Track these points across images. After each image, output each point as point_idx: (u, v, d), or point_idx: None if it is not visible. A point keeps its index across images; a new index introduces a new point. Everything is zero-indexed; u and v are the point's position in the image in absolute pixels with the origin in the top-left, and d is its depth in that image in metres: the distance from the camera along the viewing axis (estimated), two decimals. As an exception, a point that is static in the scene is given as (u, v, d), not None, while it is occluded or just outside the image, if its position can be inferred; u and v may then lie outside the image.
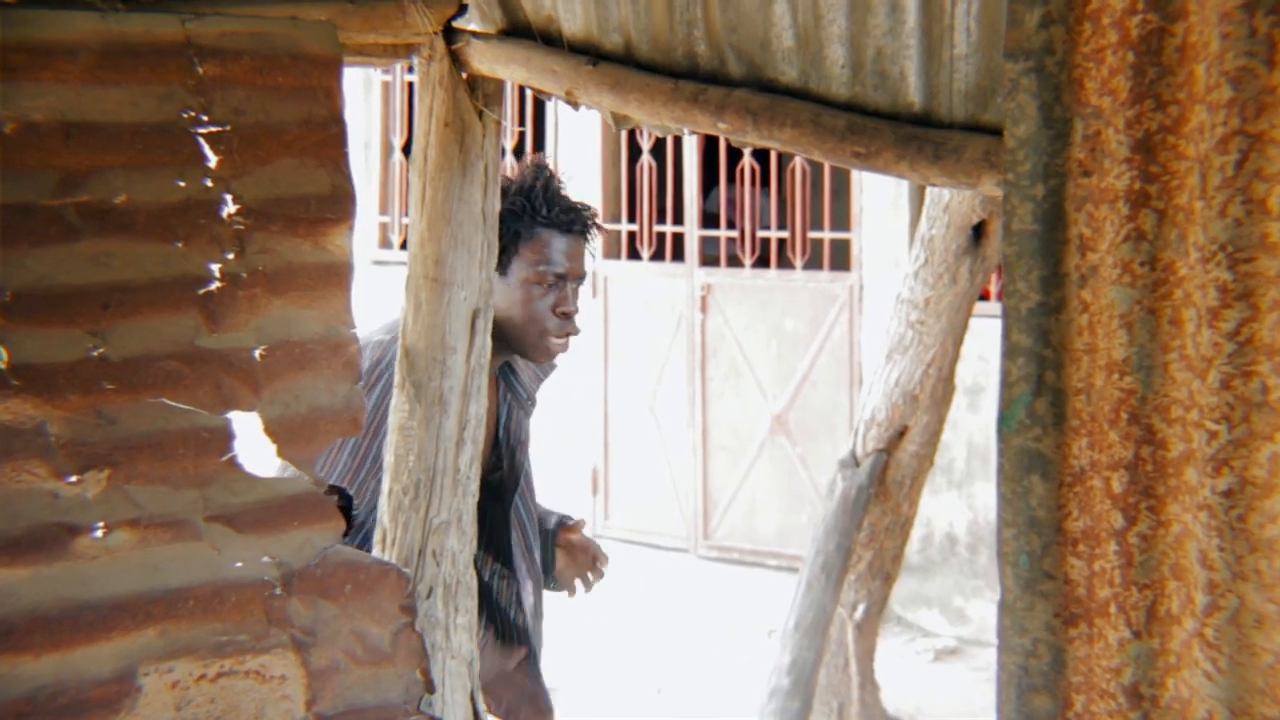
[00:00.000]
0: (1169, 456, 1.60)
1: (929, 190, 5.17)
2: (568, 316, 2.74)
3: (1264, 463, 1.49)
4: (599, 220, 2.84)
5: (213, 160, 2.00)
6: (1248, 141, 1.46)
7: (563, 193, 2.75)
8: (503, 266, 2.67)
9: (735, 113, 2.13)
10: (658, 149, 8.05)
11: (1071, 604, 1.68)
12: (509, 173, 2.78)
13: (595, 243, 2.84)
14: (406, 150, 8.45)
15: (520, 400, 2.92)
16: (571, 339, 2.77)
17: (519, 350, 2.77)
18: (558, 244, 2.72)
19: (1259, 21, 1.42)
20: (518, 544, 2.93)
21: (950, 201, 4.95)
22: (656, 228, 8.06)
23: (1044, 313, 1.68)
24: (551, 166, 2.80)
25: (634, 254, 8.19)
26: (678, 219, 8.06)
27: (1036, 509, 1.70)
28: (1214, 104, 1.48)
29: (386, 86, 9.25)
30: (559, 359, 2.85)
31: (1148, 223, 1.60)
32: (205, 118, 1.99)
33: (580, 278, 2.78)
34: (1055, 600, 1.69)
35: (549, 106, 8.27)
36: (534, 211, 2.69)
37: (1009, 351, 1.71)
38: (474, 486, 2.49)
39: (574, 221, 2.73)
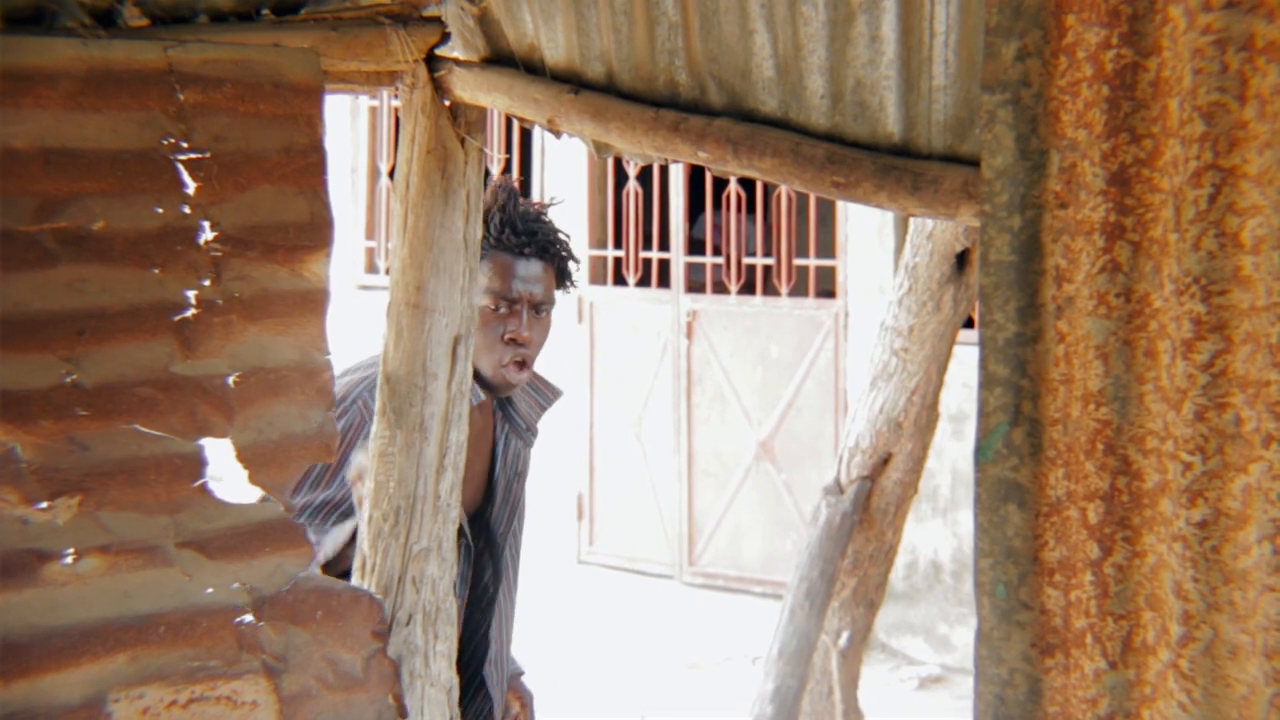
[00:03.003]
0: (1144, 487, 1.61)
1: (913, 218, 5.19)
2: (515, 343, 2.62)
3: (1237, 494, 1.50)
4: (559, 241, 2.68)
5: (192, 187, 1.99)
6: (1220, 176, 1.47)
7: (522, 215, 2.64)
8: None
9: (716, 142, 2.14)
10: (644, 175, 8.07)
11: (1048, 634, 1.68)
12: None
13: (563, 265, 2.70)
14: (393, 175, 8.44)
15: (519, 430, 2.82)
16: (524, 368, 2.65)
17: (481, 379, 2.66)
18: (509, 267, 2.62)
19: (1230, 58, 1.43)
20: (503, 601, 2.80)
21: (934, 230, 4.97)
22: (642, 254, 8.07)
23: (1021, 343, 1.68)
24: (515, 189, 2.69)
25: (620, 280, 8.20)
26: (664, 245, 8.08)
27: (1013, 539, 1.70)
28: (1187, 138, 1.49)
29: (374, 112, 9.26)
30: (511, 388, 2.71)
31: (1123, 255, 1.60)
32: (185, 144, 1.99)
33: (537, 303, 2.65)
34: (1032, 630, 1.69)
35: (535, 133, 8.30)
36: (488, 233, 2.59)
37: (986, 381, 1.71)
38: (454, 513, 2.48)
39: (525, 244, 2.61)
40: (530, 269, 2.63)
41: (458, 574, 2.58)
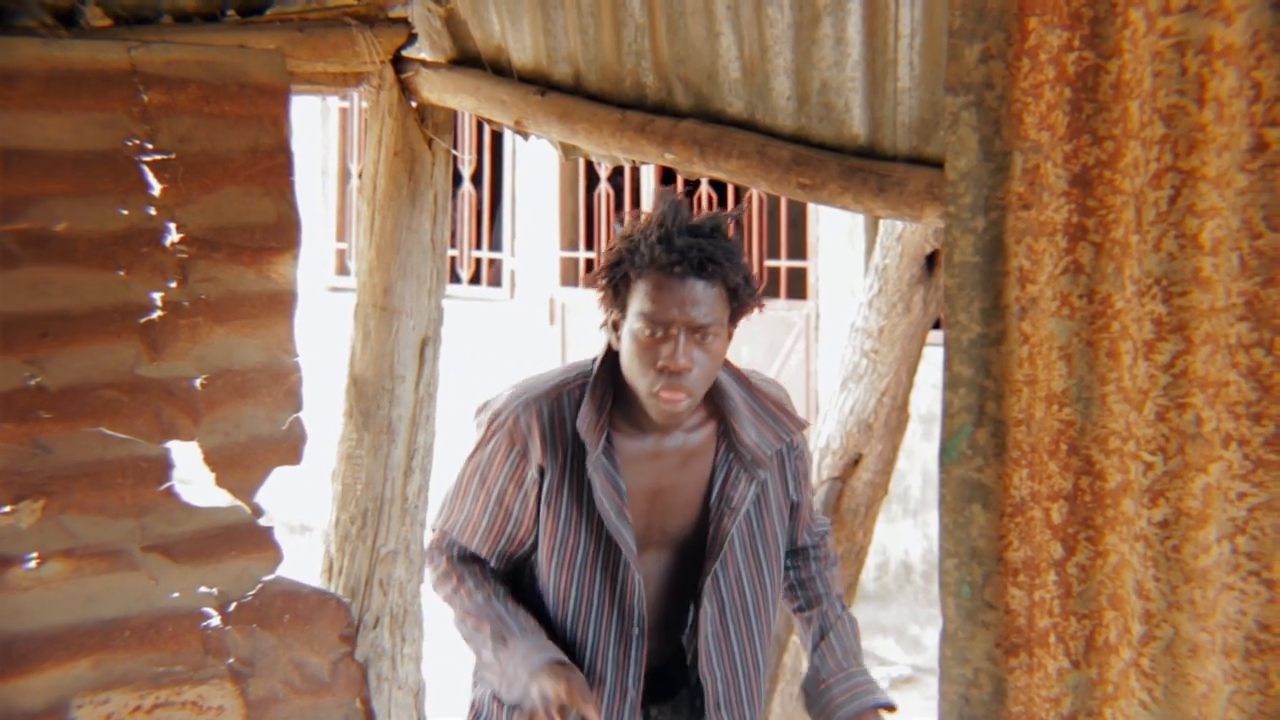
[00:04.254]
0: (1107, 487, 1.61)
1: (883, 220, 5.21)
2: (668, 372, 2.34)
3: (1198, 494, 1.51)
4: (723, 256, 2.35)
5: (157, 188, 1.98)
6: (1180, 177, 1.47)
7: (680, 229, 2.35)
8: (621, 310, 2.39)
9: (682, 143, 2.14)
10: (616, 177, 8.07)
11: (1012, 634, 1.69)
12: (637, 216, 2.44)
13: (732, 283, 2.37)
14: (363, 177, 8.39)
15: (744, 461, 2.51)
16: (682, 396, 2.35)
17: (640, 405, 2.42)
18: (662, 288, 2.33)
19: (1189, 61, 1.44)
20: (713, 636, 2.53)
21: (904, 231, 4.98)
22: (614, 255, 8.06)
23: (985, 344, 1.69)
24: (679, 201, 2.38)
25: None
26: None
27: (978, 539, 1.70)
28: (1147, 140, 1.49)
29: (345, 113, 9.23)
30: (671, 416, 2.38)
31: (1085, 256, 1.61)
32: (150, 145, 1.98)
33: (697, 327, 2.34)
34: (996, 630, 1.69)
35: (506, 134, 8.29)
36: (644, 248, 2.33)
37: (950, 382, 1.72)
38: (423, 516, 2.47)
39: (678, 261, 2.33)
40: (686, 289, 2.35)
41: (624, 609, 2.44)
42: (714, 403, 2.48)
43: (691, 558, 2.50)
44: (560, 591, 2.49)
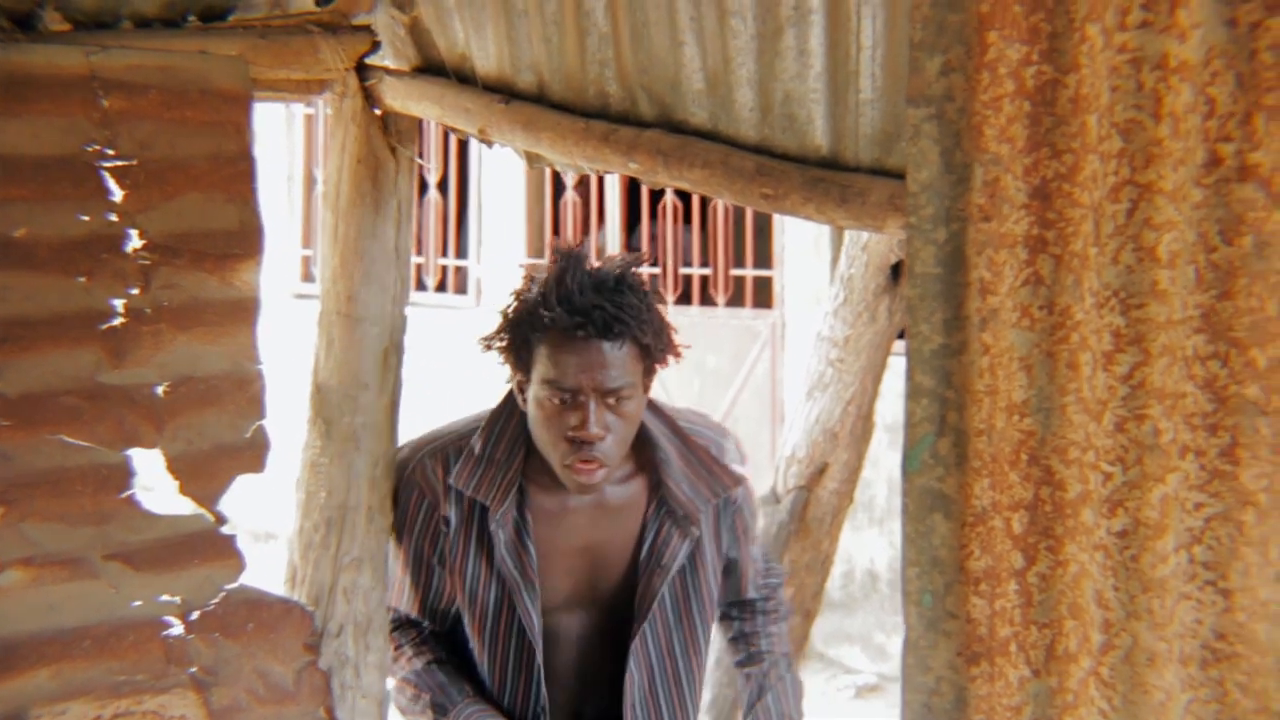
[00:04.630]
0: (1067, 497, 1.63)
1: (848, 230, 5.23)
2: (579, 442, 2.17)
3: (1155, 504, 1.52)
4: (631, 313, 2.17)
5: (118, 194, 1.97)
6: (1137, 191, 1.49)
7: (580, 286, 2.17)
8: (525, 374, 2.24)
9: (646, 153, 2.15)
10: (582, 186, 8.07)
11: (973, 643, 1.70)
12: (536, 268, 2.29)
13: (642, 340, 2.21)
14: (330, 183, 8.37)
15: (676, 518, 2.34)
16: (597, 467, 2.20)
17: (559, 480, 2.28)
18: (566, 353, 2.16)
19: (1145, 76, 1.45)
20: (640, 703, 2.37)
21: (869, 241, 5.01)
22: (581, 263, 8.07)
23: (946, 354, 1.70)
24: (577, 256, 2.23)
25: (558, 289, 8.18)
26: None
27: (939, 548, 1.71)
28: (1105, 154, 1.51)
29: (310, 120, 9.19)
30: (587, 489, 2.26)
31: (1045, 268, 1.62)
32: (110, 151, 1.97)
33: (608, 391, 2.18)
34: (958, 639, 1.70)
35: (472, 143, 8.28)
36: (542, 309, 2.17)
37: (912, 392, 1.73)
38: (387, 525, 2.46)
39: (581, 324, 2.14)
40: (593, 353, 2.16)
41: (530, 680, 2.31)
42: (643, 454, 2.33)
43: (622, 617, 2.36)
44: (476, 653, 2.36)
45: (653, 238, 8.08)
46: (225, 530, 2.09)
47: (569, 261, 2.22)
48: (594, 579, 2.37)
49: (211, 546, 2.03)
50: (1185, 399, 1.48)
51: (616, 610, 2.37)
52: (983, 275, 1.66)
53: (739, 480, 2.43)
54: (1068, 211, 1.59)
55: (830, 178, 1.98)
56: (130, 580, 1.96)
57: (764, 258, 7.63)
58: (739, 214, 7.63)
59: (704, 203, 7.66)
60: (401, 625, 2.44)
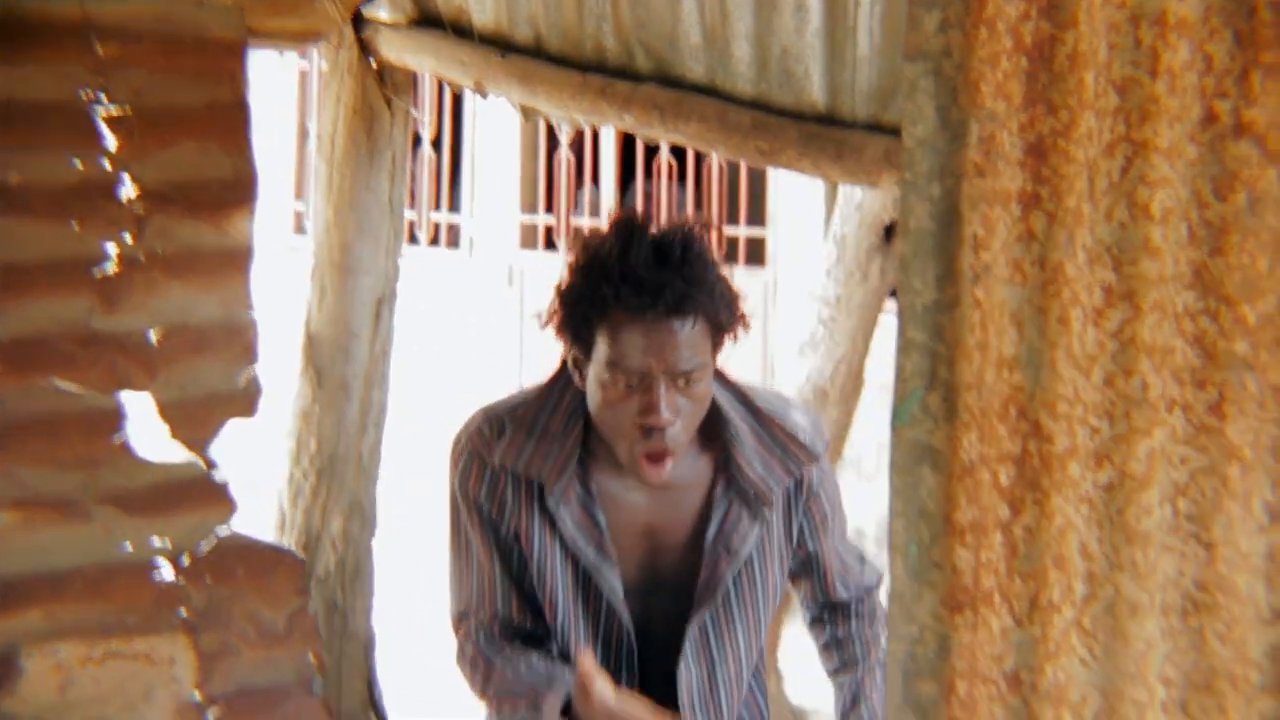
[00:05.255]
0: (1054, 451, 1.64)
1: (841, 188, 5.23)
2: (647, 430, 2.01)
3: (1142, 458, 1.54)
4: (705, 287, 2.00)
5: (112, 142, 1.97)
6: (1132, 148, 1.50)
7: (647, 261, 1.99)
8: (585, 352, 2.07)
9: (642, 107, 2.15)
10: (576, 143, 8.05)
11: (958, 593, 1.72)
12: (599, 231, 2.09)
13: (714, 315, 2.03)
14: (322, 137, 8.35)
15: (747, 499, 2.16)
16: (672, 459, 2.04)
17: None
18: (633, 334, 1.98)
19: (1143, 33, 1.46)
20: (700, 703, 2.18)
21: (863, 200, 5.01)
22: (573, 220, 8.07)
23: (938, 309, 1.71)
24: (638, 225, 2.02)
25: (551, 246, 8.19)
26: (595, 212, 8.08)
27: (926, 500, 1.73)
28: (1101, 111, 1.52)
29: (304, 73, 9.15)
30: (660, 478, 2.08)
31: (1038, 224, 1.63)
32: (104, 98, 1.97)
33: (675, 373, 2.00)
34: (942, 589, 1.72)
35: (467, 97, 8.24)
36: (606, 287, 1.98)
37: (904, 347, 1.74)
38: (376, 473, 2.47)
39: (651, 304, 1.96)
40: (663, 334, 1.98)
41: (617, 661, 2.14)
42: (711, 428, 2.15)
43: (684, 606, 2.17)
44: (555, 646, 2.16)
45: (646, 196, 8.07)
46: (217, 476, 2.10)
47: (632, 232, 2.01)
48: (655, 563, 2.17)
49: (203, 492, 2.04)
50: (1174, 354, 1.50)
51: (678, 598, 2.17)
52: (976, 231, 1.67)
53: (815, 456, 2.22)
54: (1062, 168, 1.59)
55: (826, 133, 1.98)
56: (122, 524, 1.97)
57: (757, 216, 7.63)
58: (733, 173, 7.62)
59: (698, 161, 7.64)
60: (494, 640, 2.18)
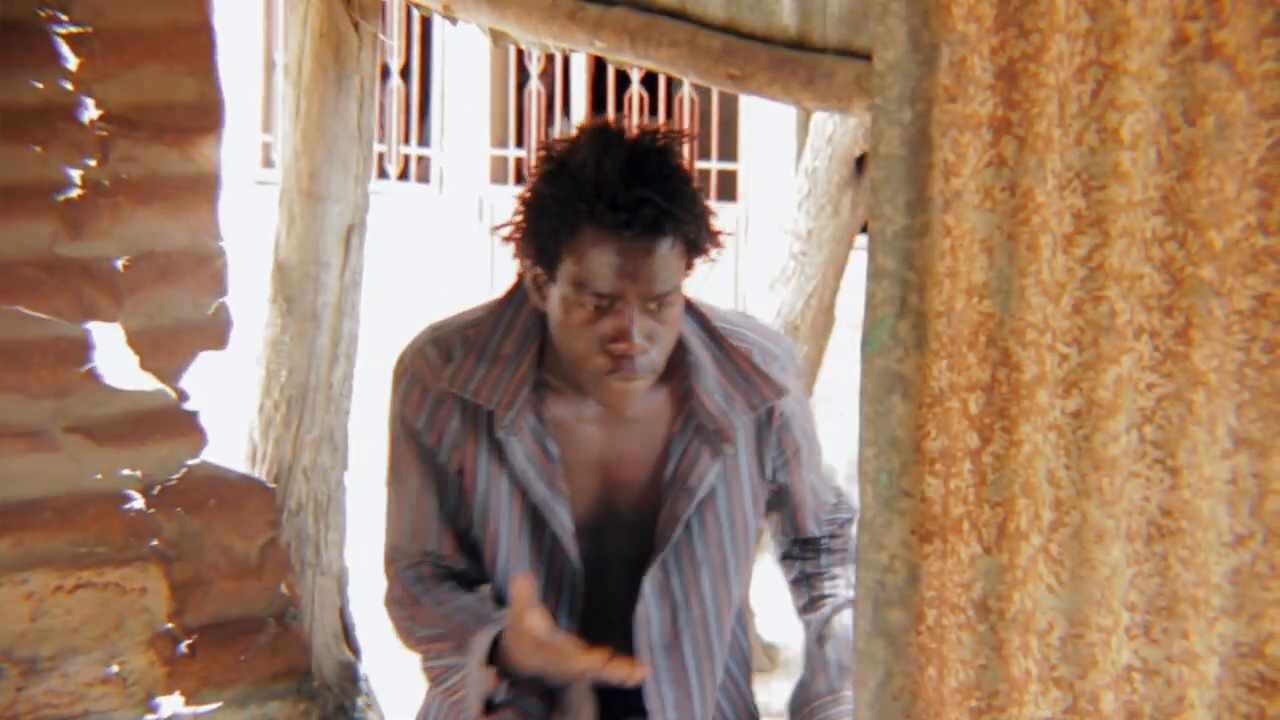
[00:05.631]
0: (1023, 379, 1.65)
1: (813, 122, 5.21)
2: (621, 357, 1.87)
3: (1109, 385, 1.54)
4: (682, 204, 1.87)
5: (72, 62, 1.93)
6: (1102, 71, 1.49)
7: (624, 174, 1.84)
8: (548, 270, 1.91)
9: (612, 31, 2.12)
10: (547, 75, 7.98)
11: (927, 521, 1.73)
12: (565, 134, 1.93)
13: (691, 235, 1.91)
14: (290, 68, 8.25)
15: (707, 433, 2.01)
16: (637, 381, 1.90)
17: (584, 389, 1.96)
18: (606, 254, 1.84)
19: (1114, -48, 1.45)
20: (662, 648, 2.04)
21: (833, 133, 4.99)
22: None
23: (909, 236, 1.71)
24: (613, 133, 1.88)
25: (521, 180, 8.15)
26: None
27: (896, 429, 1.73)
28: (1072, 33, 1.51)
29: (269, 1, 9.01)
30: (629, 405, 1.94)
31: (1009, 149, 1.63)
32: (64, 17, 1.93)
33: (649, 297, 1.88)
34: (912, 518, 1.73)
35: (435, 28, 8.15)
36: (578, 200, 1.83)
37: (874, 274, 1.74)
38: (348, 404, 2.46)
39: (628, 221, 1.82)
40: (639, 254, 1.85)
41: (560, 603, 1.99)
42: (672, 357, 1.99)
43: (644, 546, 2.03)
44: (495, 579, 2.00)
45: (617, 128, 8.02)
46: (187, 406, 2.09)
47: (607, 140, 1.86)
48: (611, 500, 2.03)
49: (173, 422, 2.04)
50: (1142, 280, 1.50)
51: (637, 539, 2.03)
52: (947, 157, 1.67)
53: (781, 391, 2.06)
54: (1033, 92, 1.58)
55: (797, 58, 1.96)
56: (91, 453, 1.96)
57: (729, 150, 7.59)
58: (704, 106, 7.57)
59: (669, 94, 7.58)
60: (423, 578, 2.02)
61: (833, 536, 2.25)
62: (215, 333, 2.09)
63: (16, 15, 1.93)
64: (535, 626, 1.84)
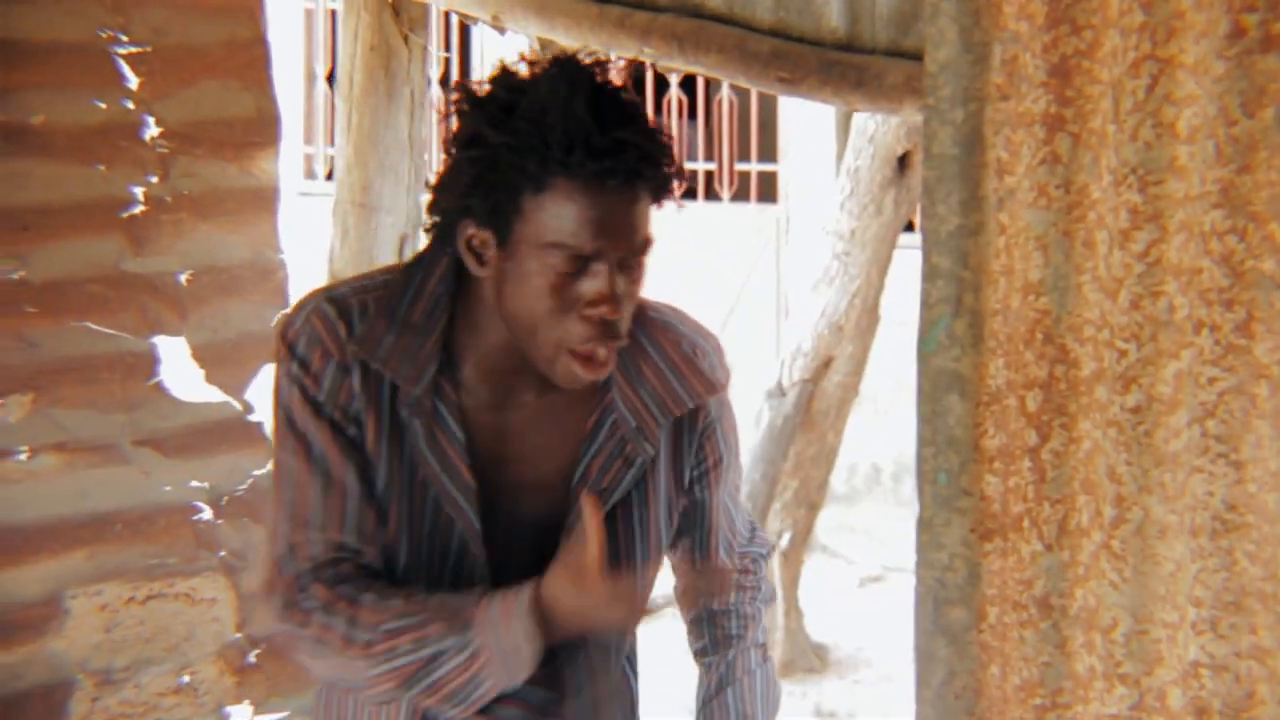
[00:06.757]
0: (1081, 375, 1.65)
1: (854, 121, 5.20)
2: (601, 322, 1.63)
3: (1169, 380, 1.54)
4: (660, 148, 1.63)
5: (133, 81, 1.97)
6: (1158, 66, 1.49)
7: (601, 117, 1.58)
8: (500, 231, 1.63)
9: (661, 37, 2.14)
10: (585, 80, 8.00)
11: (987, 519, 1.73)
12: (514, 69, 1.64)
13: (664, 183, 1.66)
14: (331, 79, 8.33)
15: (626, 430, 1.77)
16: (605, 363, 1.67)
17: (531, 362, 1.69)
18: (582, 202, 1.59)
19: (1169, -53, 1.44)
20: (566, 664, 1.78)
21: (875, 132, 4.98)
22: (584, 160, 8.03)
23: (963, 235, 1.71)
24: (580, 70, 1.61)
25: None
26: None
27: (954, 428, 1.73)
28: (1126, 28, 1.51)
29: (309, 14, 9.09)
30: (586, 381, 1.69)
31: (1063, 146, 1.63)
32: (124, 37, 1.96)
33: (630, 253, 1.65)
34: (971, 516, 1.73)
35: (474, 33, 8.18)
36: (545, 149, 1.57)
37: (929, 274, 1.74)
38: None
39: (610, 170, 1.58)
40: (621, 205, 1.62)
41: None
42: None
43: (550, 552, 1.71)
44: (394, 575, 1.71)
45: (657, 132, 8.02)
46: (252, 418, 2.12)
47: (571, 77, 1.59)
48: (514, 499, 1.76)
49: (239, 433, 2.06)
50: (1201, 274, 1.50)
51: (539, 544, 1.74)
52: (1000, 155, 1.67)
53: (715, 387, 1.84)
54: (1086, 89, 1.58)
55: (846, 60, 1.97)
56: (160, 466, 1.99)
57: (769, 152, 7.59)
58: (743, 108, 7.57)
59: (708, 97, 7.59)
60: (344, 579, 1.67)
61: (744, 572, 1.98)
62: (278, 345, 2.11)
63: (80, 37, 1.97)
64: (596, 556, 1.60)
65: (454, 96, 1.64)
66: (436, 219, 1.69)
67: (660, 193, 1.67)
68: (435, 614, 1.63)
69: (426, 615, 1.63)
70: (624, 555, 1.77)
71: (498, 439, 1.74)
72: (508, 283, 1.65)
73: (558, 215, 1.60)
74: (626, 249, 1.64)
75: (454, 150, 1.66)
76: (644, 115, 1.65)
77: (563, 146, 1.57)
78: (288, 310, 1.74)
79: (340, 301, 1.71)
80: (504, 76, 1.63)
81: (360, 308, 1.70)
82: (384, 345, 1.68)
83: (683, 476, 1.85)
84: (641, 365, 1.79)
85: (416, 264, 1.73)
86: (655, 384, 1.79)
